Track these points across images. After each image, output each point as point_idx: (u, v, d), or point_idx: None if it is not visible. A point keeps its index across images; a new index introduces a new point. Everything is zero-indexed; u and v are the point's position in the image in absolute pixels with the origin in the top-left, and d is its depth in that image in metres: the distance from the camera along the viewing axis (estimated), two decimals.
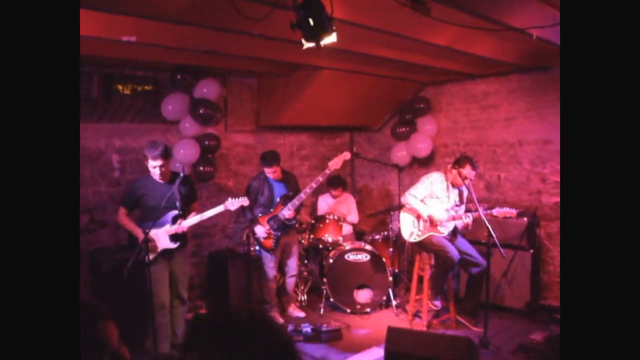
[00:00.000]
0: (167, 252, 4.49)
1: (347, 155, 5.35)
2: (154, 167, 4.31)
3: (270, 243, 5.41)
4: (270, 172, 5.37)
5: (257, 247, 5.66)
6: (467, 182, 5.08)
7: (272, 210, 5.41)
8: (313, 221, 6.14)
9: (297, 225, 5.93)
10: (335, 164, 5.28)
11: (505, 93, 6.32)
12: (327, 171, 5.31)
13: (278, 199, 5.40)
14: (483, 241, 5.27)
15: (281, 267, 5.81)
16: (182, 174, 4.35)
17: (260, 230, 5.37)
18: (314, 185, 5.29)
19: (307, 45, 3.27)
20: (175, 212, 4.43)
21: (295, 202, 5.28)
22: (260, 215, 5.40)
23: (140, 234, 4.23)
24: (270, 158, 5.35)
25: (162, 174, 4.35)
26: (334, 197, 6.69)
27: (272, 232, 5.38)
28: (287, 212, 5.29)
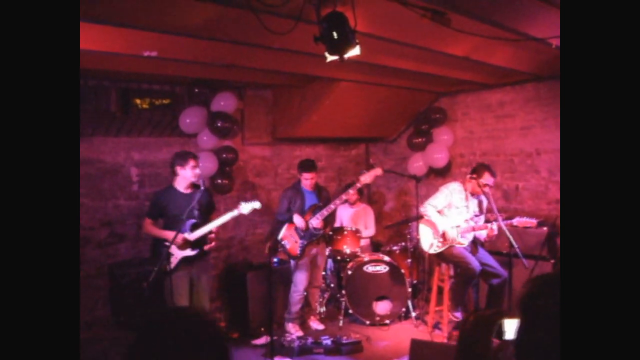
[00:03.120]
0: (188, 261, 4.56)
1: (378, 171, 5.42)
2: (194, 167, 4.52)
3: (296, 250, 5.44)
4: (309, 178, 5.47)
5: (276, 260, 5.66)
6: (486, 189, 5.05)
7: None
8: (331, 232, 6.13)
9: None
10: (366, 179, 5.38)
11: (521, 102, 6.30)
12: (358, 184, 5.48)
13: (307, 208, 5.45)
14: (504, 252, 5.24)
15: None
16: (202, 187, 4.44)
17: (287, 244, 5.47)
18: (344, 197, 5.52)
19: (331, 58, 3.29)
20: (193, 220, 4.54)
21: (324, 212, 5.38)
22: (289, 222, 5.47)
23: (169, 235, 4.36)
24: (311, 164, 5.54)
25: (199, 175, 4.56)
26: (350, 204, 6.68)
27: (298, 239, 5.43)
28: (315, 222, 5.38)
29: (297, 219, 5.40)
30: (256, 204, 4.73)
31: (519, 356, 1.17)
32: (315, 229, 5.42)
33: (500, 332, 1.28)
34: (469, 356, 1.29)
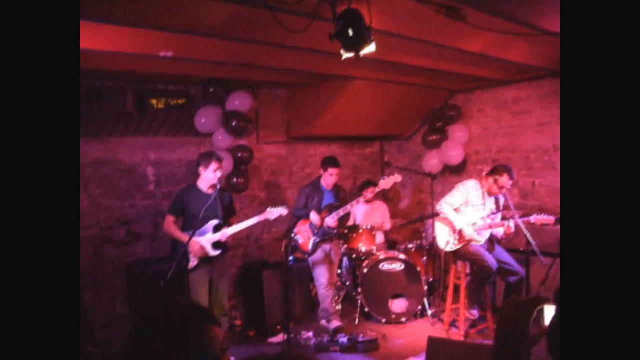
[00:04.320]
0: (208, 260, 4.65)
1: (398, 177, 5.43)
2: (216, 170, 4.62)
3: (307, 246, 5.48)
4: (334, 174, 5.52)
5: (292, 258, 5.67)
6: (503, 191, 5.02)
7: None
8: (346, 231, 6.13)
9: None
10: (385, 184, 5.40)
11: (537, 98, 6.24)
12: (377, 189, 5.54)
13: (324, 207, 5.50)
14: (521, 249, 5.20)
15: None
16: (218, 186, 4.56)
17: (300, 239, 5.52)
18: (361, 200, 5.56)
19: (347, 55, 3.30)
20: (217, 221, 4.65)
21: (340, 212, 5.40)
22: (304, 218, 5.52)
23: (185, 238, 4.43)
24: (336, 160, 5.63)
25: (219, 179, 4.64)
26: (368, 201, 6.68)
27: (311, 236, 5.47)
28: (330, 220, 5.40)
29: (314, 216, 5.42)
30: (283, 210, 4.86)
31: (551, 345, 1.18)
32: (329, 227, 5.43)
33: (539, 319, 1.29)
34: (507, 342, 1.29)
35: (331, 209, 5.46)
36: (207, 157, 4.65)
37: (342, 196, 5.68)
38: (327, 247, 5.61)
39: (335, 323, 5.62)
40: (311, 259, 5.58)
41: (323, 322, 5.69)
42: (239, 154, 5.77)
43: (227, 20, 3.50)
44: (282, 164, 6.76)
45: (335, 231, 5.54)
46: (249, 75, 5.55)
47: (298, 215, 5.58)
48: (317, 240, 5.48)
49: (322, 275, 5.58)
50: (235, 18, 3.49)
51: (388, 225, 6.71)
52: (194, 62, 4.60)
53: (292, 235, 5.52)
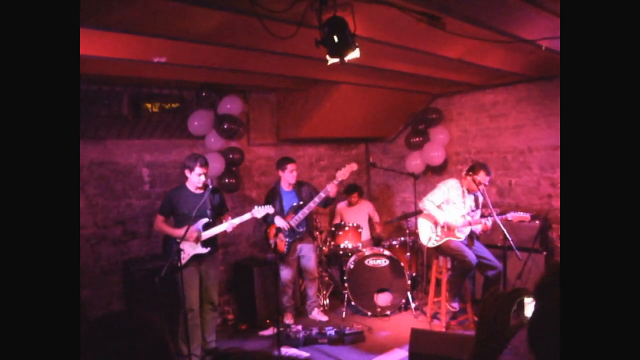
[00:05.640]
0: (198, 257, 4.76)
1: (354, 166, 5.58)
2: (200, 174, 4.65)
3: (282, 247, 5.71)
4: (294, 169, 5.71)
5: None
6: (481, 187, 5.26)
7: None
8: (333, 229, 6.37)
9: (316, 232, 6.27)
10: (342, 174, 5.53)
11: (514, 102, 6.55)
12: (335, 182, 5.55)
13: (288, 209, 5.72)
14: (499, 244, 5.46)
15: (301, 272, 6.09)
16: (210, 186, 4.65)
17: (273, 243, 5.68)
18: (323, 195, 5.56)
19: (332, 61, 3.48)
20: (206, 219, 4.73)
21: (305, 210, 5.61)
22: (272, 222, 5.71)
23: (179, 232, 4.53)
24: (290, 157, 5.86)
25: (204, 182, 4.67)
26: (351, 204, 6.93)
27: (284, 238, 5.69)
28: (295, 222, 5.63)
29: (279, 221, 5.63)
30: (270, 209, 5.00)
31: (532, 341, 1.19)
32: (297, 227, 5.66)
33: (519, 310, 1.30)
34: (489, 332, 1.31)
35: (296, 209, 5.66)
36: (192, 161, 4.69)
37: (306, 191, 5.83)
38: (299, 246, 5.84)
39: (289, 319, 5.91)
40: (285, 259, 5.81)
41: (313, 314, 5.98)
42: (231, 156, 5.97)
43: (218, 28, 3.65)
44: (272, 165, 6.91)
45: (303, 229, 5.75)
46: (240, 80, 5.75)
47: (267, 221, 5.73)
48: (290, 240, 5.71)
49: (285, 276, 5.84)
50: (226, 25, 3.63)
51: (376, 218, 7.03)
52: (187, 67, 4.77)
53: (267, 240, 5.74)
